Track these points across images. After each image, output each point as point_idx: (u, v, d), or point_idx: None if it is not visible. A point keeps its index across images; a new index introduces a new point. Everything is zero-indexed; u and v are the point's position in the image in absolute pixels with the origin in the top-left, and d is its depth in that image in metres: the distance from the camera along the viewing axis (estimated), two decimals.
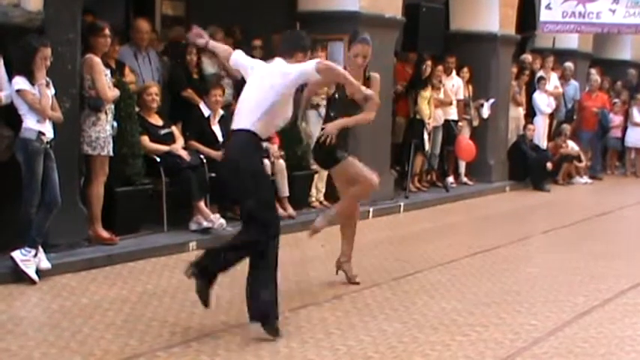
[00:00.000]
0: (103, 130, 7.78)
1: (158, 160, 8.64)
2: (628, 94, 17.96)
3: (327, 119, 7.13)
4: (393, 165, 12.24)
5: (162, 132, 8.85)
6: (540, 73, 15.62)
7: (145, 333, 5.66)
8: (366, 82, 6.85)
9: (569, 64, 16.53)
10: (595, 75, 17.14)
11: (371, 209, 10.68)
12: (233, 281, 6.17)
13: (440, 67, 12.80)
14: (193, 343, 5.50)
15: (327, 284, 7.20)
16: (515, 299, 6.95)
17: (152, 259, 7.85)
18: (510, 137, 14.95)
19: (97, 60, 7.75)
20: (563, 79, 16.37)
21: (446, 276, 7.69)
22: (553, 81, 15.88)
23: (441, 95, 12.88)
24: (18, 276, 6.73)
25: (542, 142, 15.36)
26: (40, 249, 6.90)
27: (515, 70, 15.01)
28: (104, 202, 7.94)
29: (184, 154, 8.76)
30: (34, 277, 6.78)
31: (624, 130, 17.49)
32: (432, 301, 6.78)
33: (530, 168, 14.60)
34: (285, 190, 9.77)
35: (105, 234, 7.91)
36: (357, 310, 6.44)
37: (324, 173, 10.26)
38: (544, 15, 14.86)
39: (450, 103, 13.17)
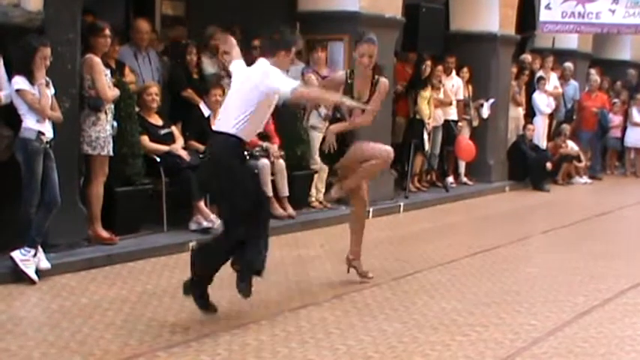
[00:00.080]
0: (102, 129, 7.78)
1: (158, 160, 8.64)
2: (627, 94, 17.96)
3: (333, 120, 7.18)
4: (392, 165, 12.22)
5: (162, 132, 8.85)
6: (540, 73, 15.61)
7: (144, 333, 5.65)
8: (373, 86, 6.85)
9: (568, 64, 16.53)
10: (595, 75, 17.14)
11: (371, 209, 10.63)
12: (233, 281, 6.16)
13: (440, 67, 12.80)
14: (193, 343, 5.49)
15: (327, 284, 7.20)
16: (515, 299, 6.94)
17: (152, 259, 7.85)
18: (510, 137, 14.94)
19: (97, 60, 7.75)
20: (563, 79, 16.37)
21: (446, 276, 7.69)
22: (553, 81, 15.87)
23: (441, 95, 12.87)
24: (17, 276, 6.73)
25: (542, 142, 15.35)
26: (40, 249, 6.90)
27: (514, 70, 15.00)
28: (104, 202, 7.94)
29: (184, 154, 8.76)
30: (34, 277, 6.78)
31: (624, 130, 17.47)
32: (432, 301, 6.78)
33: (529, 168, 14.59)
34: (285, 190, 9.78)
35: (105, 234, 7.91)
36: (357, 310, 6.44)
37: (324, 173, 10.27)
38: (544, 15, 14.84)
39: (450, 103, 13.16)
